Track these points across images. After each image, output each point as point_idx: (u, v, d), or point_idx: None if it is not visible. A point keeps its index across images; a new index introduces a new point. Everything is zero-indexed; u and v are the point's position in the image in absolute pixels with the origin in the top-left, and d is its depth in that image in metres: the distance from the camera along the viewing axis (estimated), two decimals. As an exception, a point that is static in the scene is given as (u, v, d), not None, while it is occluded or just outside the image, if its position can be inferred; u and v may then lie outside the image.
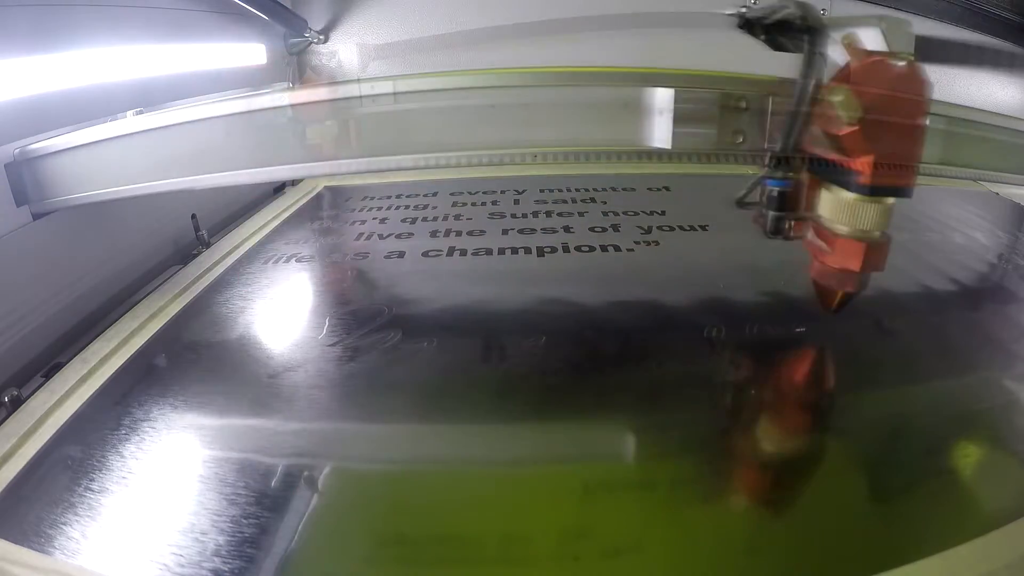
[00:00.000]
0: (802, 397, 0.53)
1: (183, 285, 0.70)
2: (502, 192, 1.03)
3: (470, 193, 1.04)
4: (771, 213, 0.51)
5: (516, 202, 0.98)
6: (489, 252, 0.78)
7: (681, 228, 0.87)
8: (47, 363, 0.59)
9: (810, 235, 0.51)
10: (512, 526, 0.39)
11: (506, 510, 0.40)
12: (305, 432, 0.46)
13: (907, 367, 0.59)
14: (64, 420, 0.48)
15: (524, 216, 0.91)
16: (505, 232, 0.85)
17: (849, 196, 0.46)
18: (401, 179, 1.15)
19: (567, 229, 0.86)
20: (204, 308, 0.65)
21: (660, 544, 0.38)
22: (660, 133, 0.50)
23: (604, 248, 0.79)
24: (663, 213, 0.92)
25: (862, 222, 0.46)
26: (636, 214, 0.92)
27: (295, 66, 1.19)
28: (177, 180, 0.59)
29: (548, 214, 0.92)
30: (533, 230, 0.86)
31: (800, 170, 0.49)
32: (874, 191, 0.45)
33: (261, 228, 0.88)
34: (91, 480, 0.41)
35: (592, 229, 0.86)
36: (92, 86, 0.70)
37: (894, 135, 0.44)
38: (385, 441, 0.47)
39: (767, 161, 0.49)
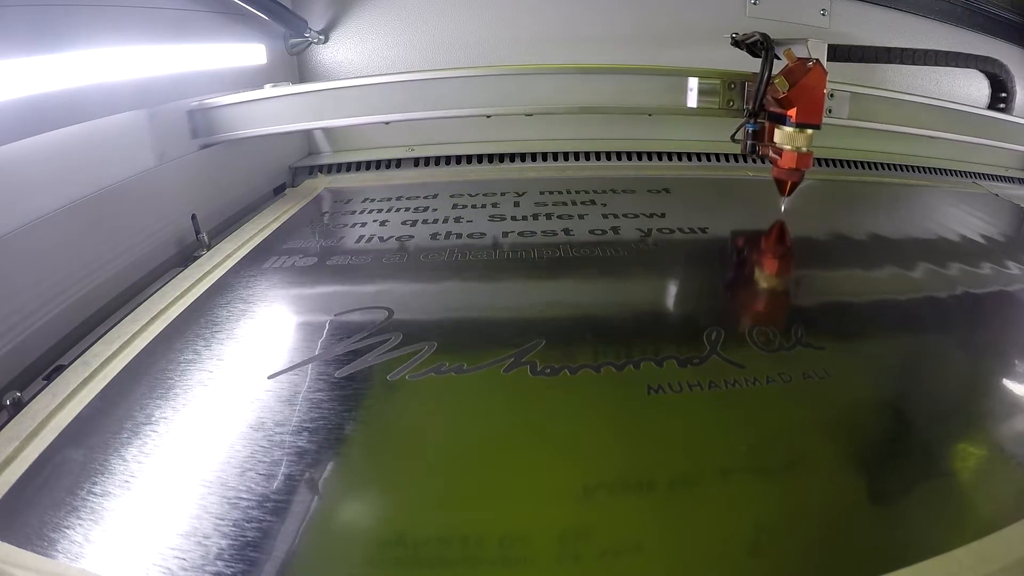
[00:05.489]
0: (800, 397, 0.53)
1: (184, 287, 0.70)
2: (502, 194, 1.03)
3: (470, 195, 1.04)
4: (749, 141, 0.87)
5: (516, 204, 0.98)
6: (490, 255, 0.78)
7: (680, 231, 0.87)
8: (48, 366, 0.59)
9: (771, 152, 0.87)
10: (512, 526, 0.39)
11: (506, 510, 0.40)
12: (306, 433, 0.46)
13: (905, 368, 0.60)
14: (66, 423, 0.48)
15: (524, 218, 0.92)
16: (505, 234, 0.85)
17: (789, 129, 0.83)
18: (401, 180, 1.15)
19: (567, 231, 0.86)
20: (205, 311, 0.65)
21: (660, 544, 0.38)
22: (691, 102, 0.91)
23: (604, 251, 0.79)
24: (663, 216, 0.92)
25: (796, 143, 0.83)
26: (636, 216, 0.92)
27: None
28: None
29: (548, 216, 0.92)
30: (533, 232, 0.86)
31: (763, 118, 0.87)
32: (798, 126, 0.82)
33: (262, 230, 0.88)
34: (93, 483, 0.42)
35: (592, 231, 0.86)
36: (92, 86, 0.70)
37: (805, 98, 0.81)
38: (384, 441, 0.48)
39: (746, 114, 0.87)
